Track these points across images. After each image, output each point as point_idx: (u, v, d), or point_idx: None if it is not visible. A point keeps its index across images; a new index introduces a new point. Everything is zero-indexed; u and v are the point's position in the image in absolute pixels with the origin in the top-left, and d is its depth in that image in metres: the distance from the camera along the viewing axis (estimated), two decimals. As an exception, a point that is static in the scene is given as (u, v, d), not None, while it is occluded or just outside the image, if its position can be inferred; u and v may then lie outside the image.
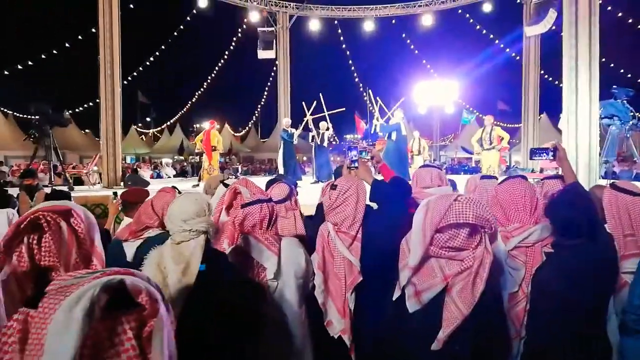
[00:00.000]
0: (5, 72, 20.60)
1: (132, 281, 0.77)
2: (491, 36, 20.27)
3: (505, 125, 17.96)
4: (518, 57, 17.05)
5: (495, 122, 11.04)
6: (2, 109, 24.35)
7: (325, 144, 11.23)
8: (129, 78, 20.29)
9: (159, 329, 0.76)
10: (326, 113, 11.58)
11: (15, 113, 24.52)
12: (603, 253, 2.10)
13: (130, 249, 2.38)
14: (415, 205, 2.74)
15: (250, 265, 2.21)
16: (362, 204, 2.41)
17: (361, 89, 22.39)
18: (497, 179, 3.28)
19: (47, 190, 6.91)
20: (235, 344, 1.80)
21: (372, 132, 12.26)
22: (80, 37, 18.11)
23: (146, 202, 2.57)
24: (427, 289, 1.75)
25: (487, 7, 17.38)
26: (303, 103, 11.64)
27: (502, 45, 20.25)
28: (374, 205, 2.66)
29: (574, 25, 7.82)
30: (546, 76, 18.10)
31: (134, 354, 0.73)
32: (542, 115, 18.84)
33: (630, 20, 17.86)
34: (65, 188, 9.00)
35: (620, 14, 17.31)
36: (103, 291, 0.72)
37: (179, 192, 2.79)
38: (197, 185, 10.56)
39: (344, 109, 12.86)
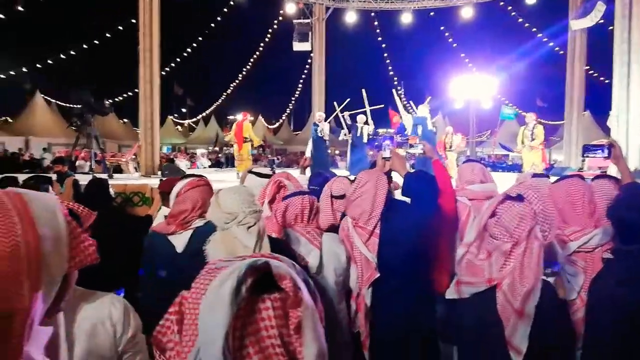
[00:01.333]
0: (49, 62, 21.34)
1: (277, 265, 0.78)
2: (534, 29, 19.59)
3: (546, 122, 17.32)
4: (562, 52, 16.36)
5: (537, 120, 10.64)
6: (46, 97, 25.29)
7: (365, 139, 10.83)
8: (167, 69, 20.60)
9: (308, 322, 0.76)
10: (367, 108, 11.35)
11: (57, 102, 25.40)
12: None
13: (179, 240, 2.35)
14: (449, 202, 2.65)
15: (292, 259, 2.15)
16: (380, 199, 2.31)
17: (396, 83, 22.10)
18: (548, 177, 3.12)
19: (87, 177, 7.07)
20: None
21: (403, 122, 12.05)
22: (120, 27, 18.56)
23: (187, 194, 2.46)
24: (468, 283, 1.79)
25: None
26: (335, 103, 11.47)
27: (545, 39, 19.52)
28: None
29: (627, 18, 7.43)
30: (591, 72, 17.35)
31: (271, 342, 0.74)
32: (585, 113, 18.08)
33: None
34: (104, 176, 9.24)
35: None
36: (249, 271, 0.75)
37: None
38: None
39: (382, 105, 12.65)
